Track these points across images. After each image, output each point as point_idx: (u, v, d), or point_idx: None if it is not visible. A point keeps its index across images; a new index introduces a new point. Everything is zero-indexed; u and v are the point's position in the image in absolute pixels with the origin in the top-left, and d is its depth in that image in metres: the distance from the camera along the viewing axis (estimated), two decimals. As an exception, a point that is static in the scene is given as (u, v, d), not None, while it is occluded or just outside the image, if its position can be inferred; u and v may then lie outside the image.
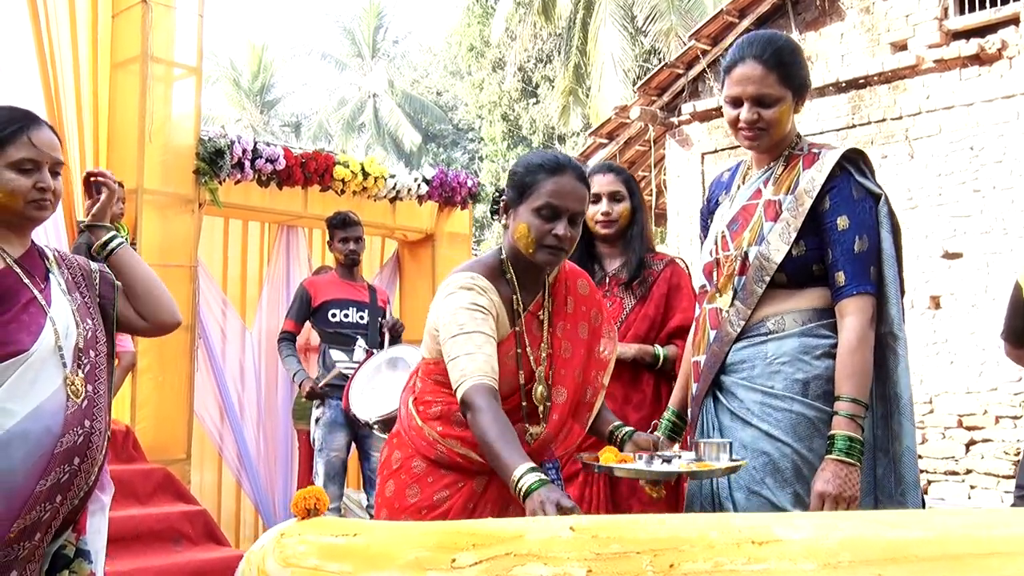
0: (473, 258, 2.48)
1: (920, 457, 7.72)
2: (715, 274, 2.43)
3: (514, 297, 2.29)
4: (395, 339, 5.35)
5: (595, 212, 3.29)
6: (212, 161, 5.71)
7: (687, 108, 9.69)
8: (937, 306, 7.93)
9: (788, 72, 2.31)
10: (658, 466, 2.15)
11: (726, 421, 2.38)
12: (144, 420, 5.37)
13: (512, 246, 2.28)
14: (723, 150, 9.46)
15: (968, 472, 7.55)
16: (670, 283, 3.26)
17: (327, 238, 5.52)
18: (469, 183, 7.24)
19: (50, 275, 2.26)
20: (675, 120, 9.87)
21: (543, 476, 1.85)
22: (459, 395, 2.06)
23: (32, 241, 2.29)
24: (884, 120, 8.36)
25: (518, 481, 1.86)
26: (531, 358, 2.27)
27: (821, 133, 8.75)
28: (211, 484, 6.32)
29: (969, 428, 7.61)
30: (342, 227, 5.32)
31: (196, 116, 5.80)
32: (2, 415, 2.03)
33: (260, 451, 6.36)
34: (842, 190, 2.28)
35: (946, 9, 8.09)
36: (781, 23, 9.25)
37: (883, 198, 2.33)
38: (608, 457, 2.23)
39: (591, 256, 3.35)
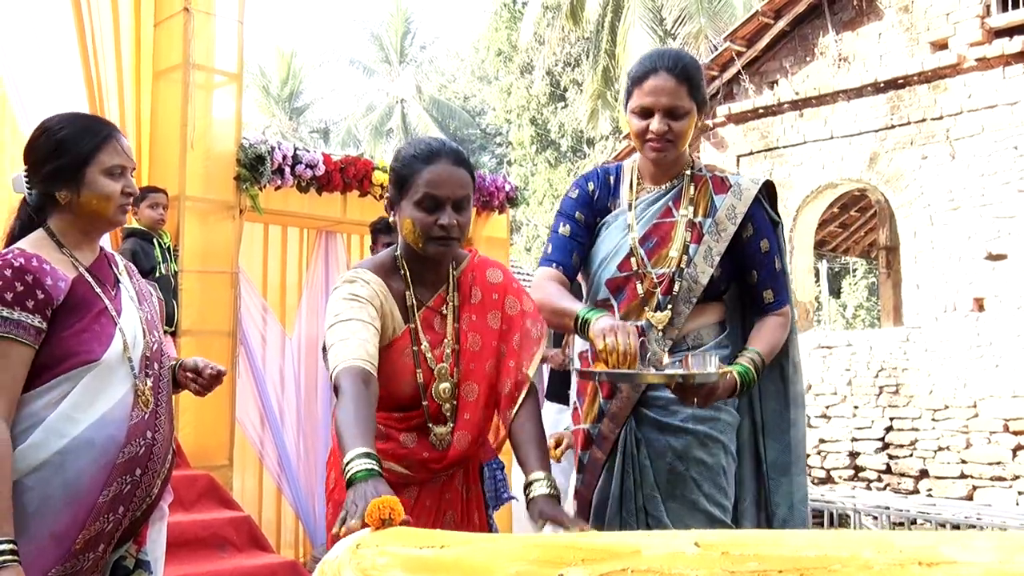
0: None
1: (964, 462, 7.63)
2: (627, 290, 2.42)
3: (407, 293, 2.24)
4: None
5: None
6: (253, 167, 5.72)
7: (722, 110, 9.62)
8: (981, 308, 7.81)
9: (696, 87, 2.39)
10: (669, 369, 2.19)
11: (652, 434, 2.37)
12: (187, 426, 5.38)
13: (404, 243, 2.24)
14: (758, 152, 9.38)
15: (1016, 478, 7.42)
16: None
17: (371, 242, 5.51)
18: (507, 187, 7.20)
19: (120, 283, 2.26)
20: (710, 123, 9.79)
21: (373, 466, 1.75)
22: (332, 381, 2.02)
23: (101, 248, 2.29)
24: (924, 120, 8.25)
25: (346, 465, 1.78)
26: (428, 356, 2.21)
27: (859, 134, 8.65)
28: (252, 490, 6.32)
29: (1016, 433, 7.48)
30: (387, 232, 5.31)
31: (237, 123, 5.82)
32: (68, 423, 2.03)
33: (300, 457, 6.35)
34: (759, 217, 2.45)
35: (988, 6, 7.97)
36: (817, 23, 9.16)
37: (780, 224, 2.52)
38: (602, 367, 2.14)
39: None
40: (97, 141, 2.15)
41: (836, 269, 23.02)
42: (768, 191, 2.50)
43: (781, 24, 9.22)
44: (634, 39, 17.46)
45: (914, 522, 7.10)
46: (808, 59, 9.25)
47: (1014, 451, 7.45)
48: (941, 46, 8.22)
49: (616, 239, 2.46)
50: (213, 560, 4.68)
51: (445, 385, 2.21)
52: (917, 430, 8.08)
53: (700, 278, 2.38)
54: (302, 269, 6.74)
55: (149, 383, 2.19)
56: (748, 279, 2.46)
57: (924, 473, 8.01)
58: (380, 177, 6.39)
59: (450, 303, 2.27)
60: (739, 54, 9.45)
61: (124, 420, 2.10)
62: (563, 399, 4.50)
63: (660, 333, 2.38)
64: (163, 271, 5.14)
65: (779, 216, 2.51)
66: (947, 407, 7.91)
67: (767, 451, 2.51)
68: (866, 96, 8.65)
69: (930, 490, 7.91)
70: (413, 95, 30.32)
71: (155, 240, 5.17)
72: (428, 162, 2.17)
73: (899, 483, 8.08)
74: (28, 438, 2.00)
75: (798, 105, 9.15)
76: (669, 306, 2.38)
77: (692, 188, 2.45)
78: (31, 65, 5.06)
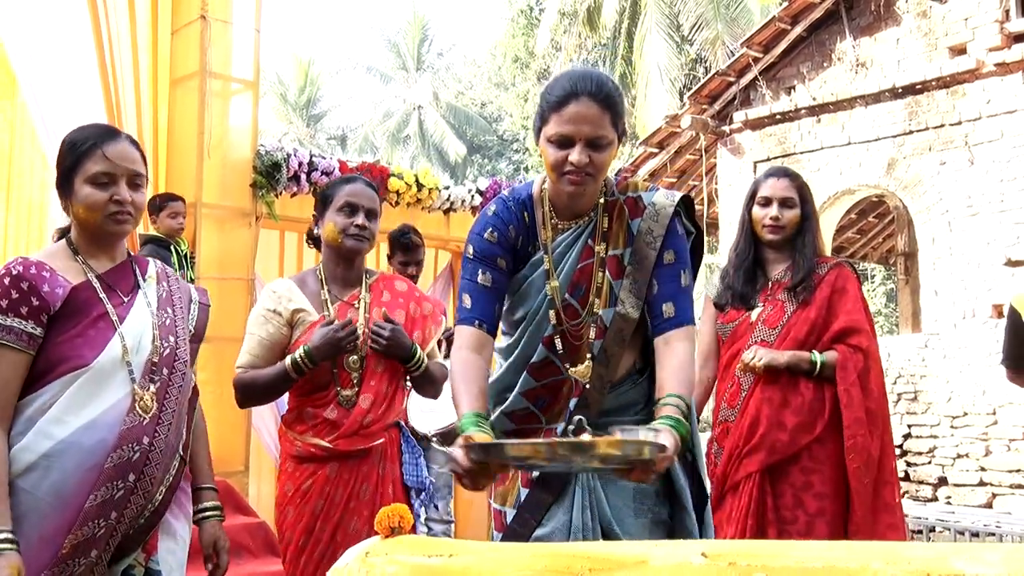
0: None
1: (984, 470, 7.56)
2: (560, 343, 2.23)
3: (321, 291, 2.90)
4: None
5: (764, 216, 3.34)
6: (269, 174, 5.75)
7: (739, 116, 9.59)
8: (1000, 315, 7.74)
9: (618, 114, 2.15)
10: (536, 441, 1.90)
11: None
12: (203, 432, 5.40)
13: (325, 251, 2.94)
14: (775, 158, 9.35)
15: (1036, 485, 7.36)
16: (834, 286, 3.27)
17: (388, 251, 5.51)
18: (522, 194, 7.20)
19: (139, 289, 2.27)
20: (726, 129, 9.77)
21: None
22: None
23: (130, 255, 2.32)
24: (943, 126, 8.19)
25: None
26: None
27: (877, 140, 8.61)
28: (268, 496, 6.32)
29: (1036, 440, 7.41)
30: (404, 251, 5.27)
31: (253, 130, 5.85)
32: (56, 425, 2.05)
33: (316, 463, 6.36)
34: (672, 231, 2.24)
35: (1007, 11, 7.91)
36: (835, 29, 9.13)
37: (695, 235, 2.33)
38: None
39: (755, 261, 3.36)
40: (82, 150, 2.17)
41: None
42: (685, 203, 2.30)
43: (798, 30, 9.18)
44: (651, 45, 17.48)
45: (932, 530, 7.05)
46: (825, 64, 9.21)
47: (1034, 459, 7.39)
48: (960, 51, 8.17)
49: (542, 289, 2.25)
50: (229, 566, 4.68)
51: (354, 358, 2.82)
52: (936, 437, 8.02)
53: (631, 313, 2.21)
54: (318, 276, 6.76)
55: (152, 388, 2.18)
56: (648, 293, 2.23)
57: (943, 481, 7.95)
58: (396, 184, 6.41)
59: (362, 300, 2.93)
60: (756, 60, 9.42)
61: (116, 424, 2.10)
62: None
63: (588, 384, 2.21)
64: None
65: (696, 227, 2.33)
66: (966, 414, 7.85)
67: (680, 475, 2.26)
68: (884, 101, 8.60)
69: (949, 498, 7.85)
70: (430, 102, 30.43)
71: (172, 247, 5.20)
72: (347, 182, 2.93)
73: (917, 491, 8.02)
74: (20, 441, 2.04)
75: (815, 111, 9.12)
76: (589, 355, 2.21)
77: (606, 219, 2.24)
78: (49, 72, 5.10)
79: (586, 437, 1.87)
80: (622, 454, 1.74)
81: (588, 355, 2.21)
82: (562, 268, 2.24)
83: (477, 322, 2.23)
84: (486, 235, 2.27)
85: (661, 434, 1.90)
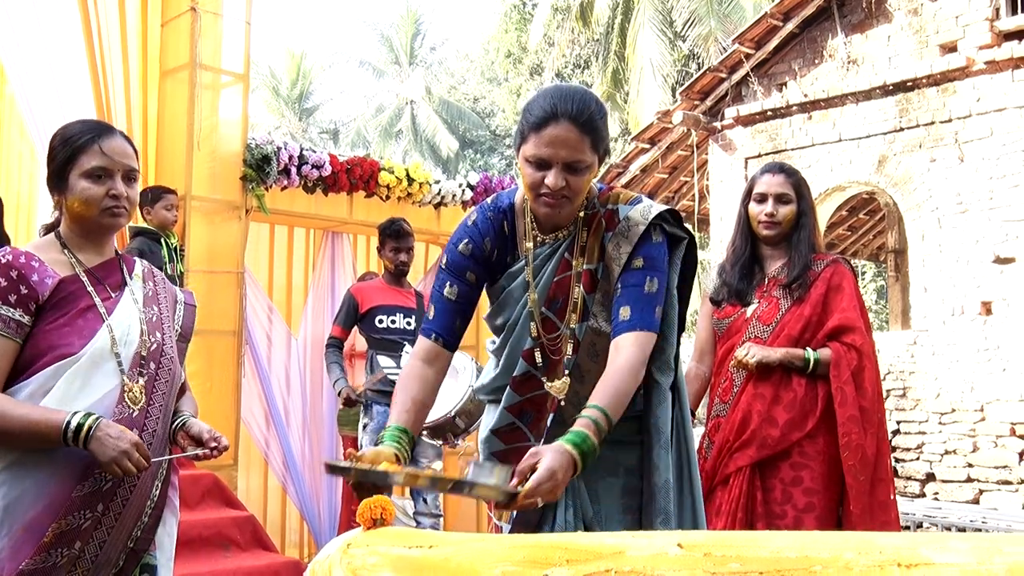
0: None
1: (971, 466, 7.60)
2: (538, 356, 2.23)
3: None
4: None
5: (759, 212, 3.30)
6: (259, 167, 5.74)
7: (730, 112, 9.60)
8: (988, 312, 7.77)
9: (600, 138, 2.09)
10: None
11: (601, 451, 2.14)
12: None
13: None
14: (766, 155, 9.36)
15: (1022, 482, 7.39)
16: (830, 283, 3.24)
17: (378, 244, 5.51)
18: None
19: (126, 285, 2.28)
20: (718, 124, 9.77)
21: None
22: None
23: (118, 253, 2.34)
24: (933, 123, 8.21)
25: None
26: None
27: (868, 137, 8.63)
28: (257, 490, 6.34)
29: (1023, 437, 7.44)
30: (395, 238, 5.30)
31: (243, 123, 5.84)
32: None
33: (305, 457, 6.35)
34: (645, 242, 2.16)
35: (997, 10, 7.92)
36: (826, 26, 9.14)
37: (683, 242, 2.24)
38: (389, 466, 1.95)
39: (753, 257, 3.35)
40: (78, 144, 2.19)
41: (845, 272, 22.98)
42: (671, 214, 2.22)
43: (790, 26, 9.19)
44: (644, 41, 17.47)
45: (920, 526, 7.08)
46: (817, 61, 9.23)
47: (1021, 455, 7.42)
48: (950, 49, 8.19)
49: (521, 302, 2.25)
50: (217, 559, 4.69)
51: None
52: (924, 433, 8.05)
53: (603, 327, 2.18)
54: (308, 269, 6.76)
55: (141, 381, 2.20)
56: (613, 293, 2.17)
57: (931, 476, 7.98)
58: (386, 178, 6.40)
59: None
60: (748, 56, 9.43)
61: (106, 416, 2.11)
62: None
63: (564, 401, 2.19)
64: (169, 271, 5.16)
65: (684, 232, 2.25)
66: (954, 411, 7.88)
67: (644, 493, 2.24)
68: (875, 99, 8.61)
69: (936, 494, 7.88)
70: (423, 96, 30.38)
71: (162, 240, 5.19)
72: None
73: (905, 487, 8.05)
74: None
75: (806, 107, 9.13)
76: (566, 371, 2.19)
77: (585, 232, 2.21)
78: (37, 64, 5.08)
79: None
80: (471, 493, 1.79)
81: (565, 371, 2.20)
82: (539, 280, 2.22)
83: (434, 335, 2.23)
84: (460, 247, 2.26)
85: (544, 458, 1.81)
